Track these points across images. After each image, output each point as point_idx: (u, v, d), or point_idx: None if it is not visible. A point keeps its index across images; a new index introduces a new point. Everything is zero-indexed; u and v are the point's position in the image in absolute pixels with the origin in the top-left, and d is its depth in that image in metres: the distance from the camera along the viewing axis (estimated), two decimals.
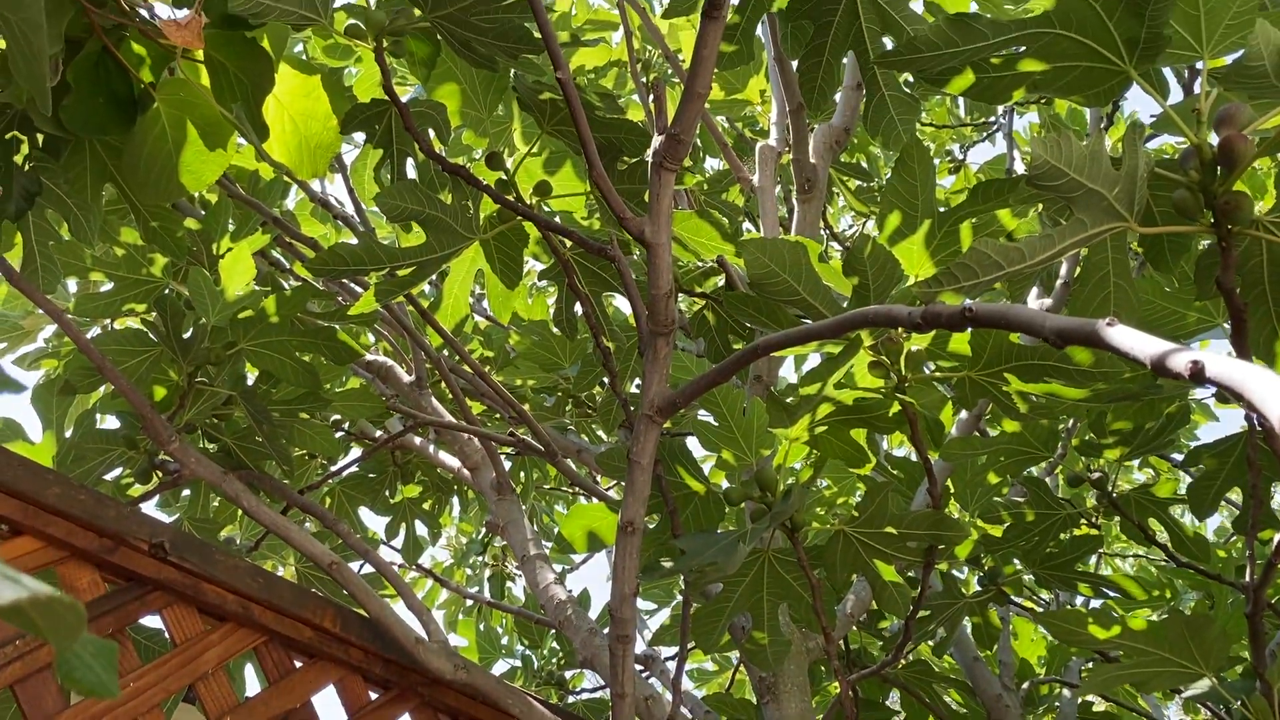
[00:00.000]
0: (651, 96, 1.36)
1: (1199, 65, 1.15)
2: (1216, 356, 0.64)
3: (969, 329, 0.89)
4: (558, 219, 2.13)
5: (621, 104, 3.19)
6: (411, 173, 1.88)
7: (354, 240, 2.56)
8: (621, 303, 3.62)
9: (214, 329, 1.74)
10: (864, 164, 3.55)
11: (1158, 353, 0.68)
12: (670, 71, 2.94)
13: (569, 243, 1.81)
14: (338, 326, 1.89)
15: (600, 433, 3.09)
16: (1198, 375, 0.63)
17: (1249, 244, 1.15)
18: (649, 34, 2.38)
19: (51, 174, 1.81)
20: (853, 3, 1.49)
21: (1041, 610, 2.85)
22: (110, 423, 2.32)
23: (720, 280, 2.40)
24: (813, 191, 2.06)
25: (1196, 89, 2.17)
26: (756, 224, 2.56)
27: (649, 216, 1.32)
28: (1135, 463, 3.48)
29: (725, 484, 1.62)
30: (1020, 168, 3.04)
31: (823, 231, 3.79)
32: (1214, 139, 1.10)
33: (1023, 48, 1.13)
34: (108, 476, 1.88)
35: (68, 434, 1.97)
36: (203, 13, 1.50)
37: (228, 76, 1.66)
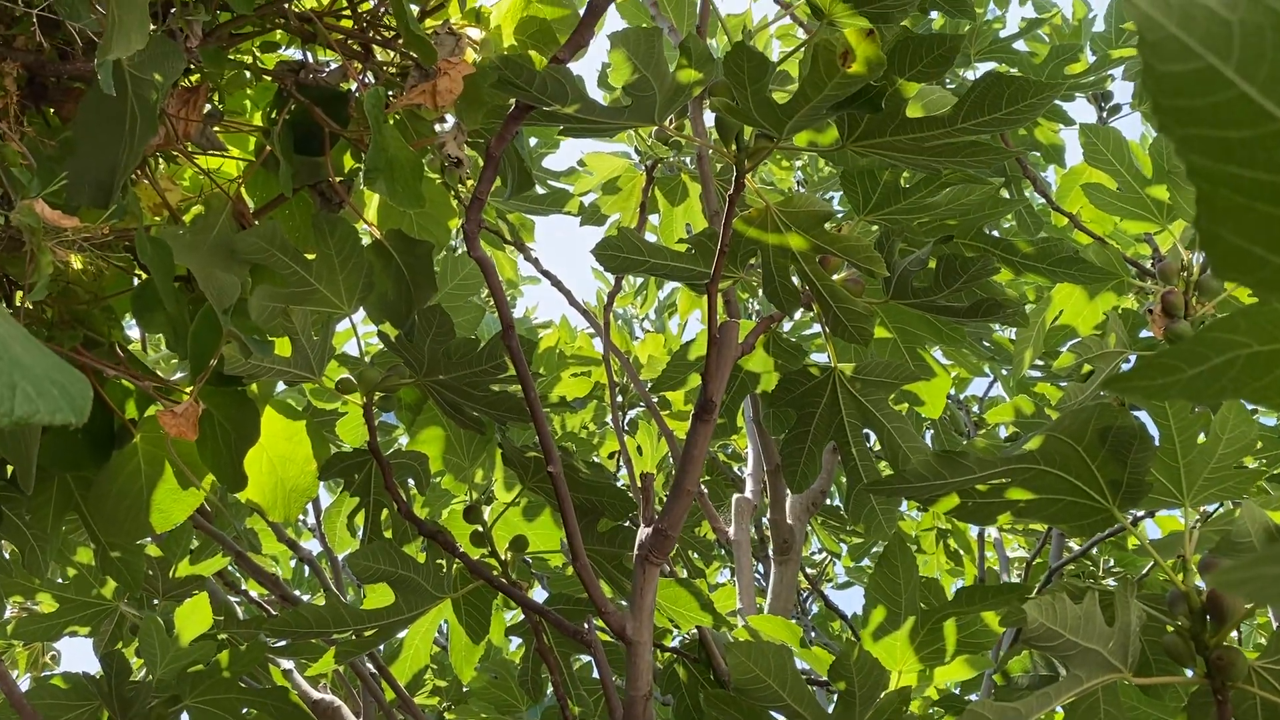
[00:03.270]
0: (640, 487, 1.37)
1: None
2: None
3: None
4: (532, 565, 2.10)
5: (602, 432, 3.25)
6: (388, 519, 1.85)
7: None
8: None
9: (160, 681, 1.65)
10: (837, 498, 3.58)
11: None
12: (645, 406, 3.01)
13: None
14: (292, 675, 1.79)
15: None
16: None
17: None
18: (629, 376, 2.46)
19: (13, 504, 1.76)
20: (834, 398, 1.54)
21: None
22: None
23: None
24: (789, 553, 2.06)
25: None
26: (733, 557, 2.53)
27: (631, 612, 1.29)
28: None
29: None
30: None
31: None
32: (1200, 583, 1.10)
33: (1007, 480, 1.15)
34: None
35: None
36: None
37: (213, 425, 1.66)
